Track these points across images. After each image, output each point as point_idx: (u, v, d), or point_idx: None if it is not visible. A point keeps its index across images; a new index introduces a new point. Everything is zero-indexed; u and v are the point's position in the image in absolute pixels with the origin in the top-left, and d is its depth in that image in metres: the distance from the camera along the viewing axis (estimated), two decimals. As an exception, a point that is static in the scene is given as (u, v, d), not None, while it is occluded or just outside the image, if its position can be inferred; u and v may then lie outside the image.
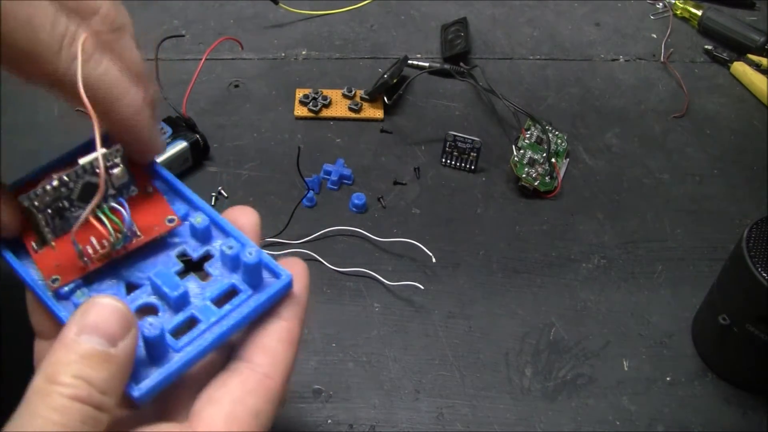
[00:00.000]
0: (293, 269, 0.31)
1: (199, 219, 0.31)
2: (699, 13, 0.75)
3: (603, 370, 0.49)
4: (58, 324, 0.29)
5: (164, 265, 0.30)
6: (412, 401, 0.46)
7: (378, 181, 0.59)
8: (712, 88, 0.70)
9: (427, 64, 0.68)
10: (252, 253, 0.28)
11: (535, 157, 0.59)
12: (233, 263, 0.30)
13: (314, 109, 0.63)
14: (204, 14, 0.72)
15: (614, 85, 0.69)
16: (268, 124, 0.63)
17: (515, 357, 0.49)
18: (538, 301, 0.52)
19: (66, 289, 0.29)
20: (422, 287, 0.51)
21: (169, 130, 0.57)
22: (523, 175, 0.58)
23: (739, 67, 0.70)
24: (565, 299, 0.52)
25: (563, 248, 0.56)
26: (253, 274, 0.29)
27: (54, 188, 0.28)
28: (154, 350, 0.27)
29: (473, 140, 0.58)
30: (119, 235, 0.29)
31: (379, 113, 0.64)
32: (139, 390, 0.26)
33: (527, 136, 0.61)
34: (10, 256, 0.30)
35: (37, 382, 0.24)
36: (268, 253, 0.30)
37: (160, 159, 0.36)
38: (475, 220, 0.57)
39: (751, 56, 0.71)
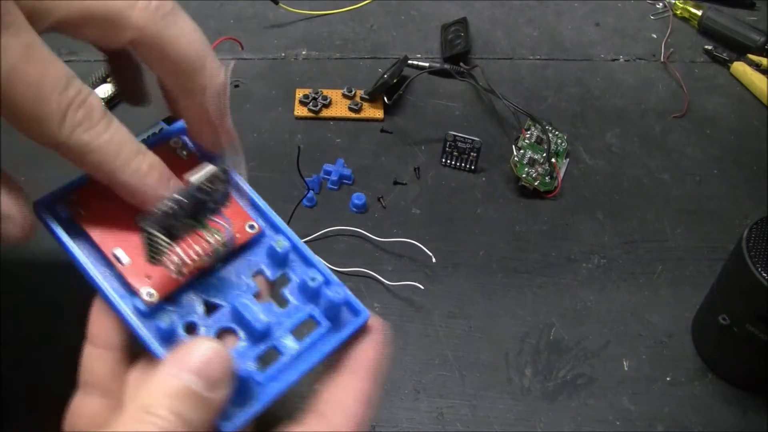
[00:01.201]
0: (372, 330, 0.30)
1: (281, 243, 0.30)
2: (699, 13, 0.75)
3: (603, 370, 0.49)
4: (119, 335, 0.29)
5: (241, 287, 0.30)
6: (412, 401, 0.46)
7: (378, 181, 0.59)
8: (712, 88, 0.70)
9: (427, 64, 0.68)
10: (340, 292, 0.29)
11: (535, 157, 0.59)
12: (312, 294, 0.30)
13: (314, 109, 0.63)
14: (204, 14, 0.72)
15: (614, 85, 0.69)
16: (268, 124, 0.63)
17: (515, 357, 0.49)
18: (538, 301, 0.52)
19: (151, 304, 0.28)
20: (422, 287, 0.51)
21: (169, 130, 0.57)
22: (523, 175, 0.58)
23: (739, 67, 0.70)
24: (565, 299, 0.52)
25: (563, 248, 0.56)
26: (335, 310, 0.29)
27: (171, 209, 0.27)
28: (241, 384, 0.27)
29: (473, 140, 0.58)
30: (220, 249, 0.29)
31: (379, 113, 0.64)
32: (233, 425, 0.27)
33: (527, 136, 0.61)
34: (91, 274, 0.28)
35: (133, 410, 0.25)
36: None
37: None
38: (475, 220, 0.57)
39: (751, 56, 0.71)
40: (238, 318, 0.29)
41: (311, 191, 0.57)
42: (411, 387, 0.47)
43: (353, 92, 0.65)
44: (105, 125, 0.27)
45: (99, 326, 0.29)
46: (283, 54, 0.70)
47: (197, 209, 0.28)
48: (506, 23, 0.75)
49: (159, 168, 0.29)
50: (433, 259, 0.53)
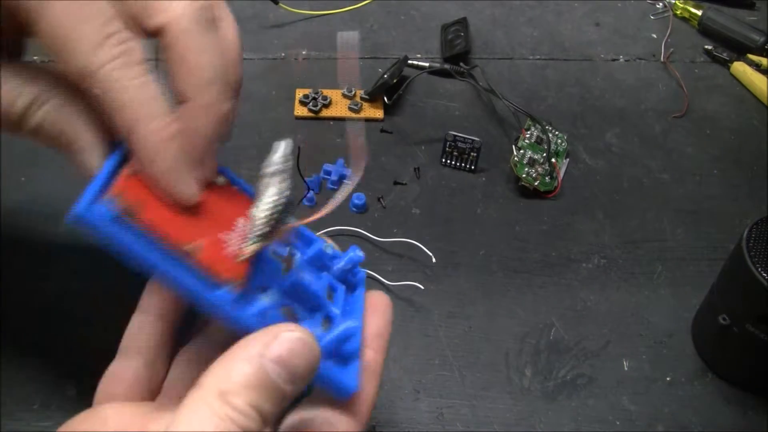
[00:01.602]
0: (379, 305, 0.33)
1: (330, 247, 0.33)
2: (699, 13, 0.75)
3: (603, 370, 0.49)
4: (174, 308, 0.29)
5: (272, 266, 0.30)
6: (412, 401, 0.46)
7: (378, 181, 0.59)
8: (712, 88, 0.70)
9: (427, 64, 0.68)
10: (359, 253, 0.33)
11: (535, 157, 0.59)
12: (322, 262, 0.33)
13: (314, 109, 0.63)
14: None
15: (614, 85, 0.69)
16: (268, 124, 0.63)
17: (515, 357, 0.49)
18: (538, 301, 0.52)
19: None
20: (422, 287, 0.51)
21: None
22: (523, 175, 0.58)
23: (739, 67, 0.70)
24: (565, 299, 0.52)
25: (563, 248, 0.55)
26: (346, 273, 0.33)
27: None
28: (336, 347, 0.29)
29: (473, 140, 0.58)
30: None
31: (379, 113, 0.64)
32: (357, 384, 0.29)
33: (527, 136, 0.61)
34: (176, 275, 0.27)
35: (209, 394, 0.23)
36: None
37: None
38: (475, 220, 0.57)
39: (751, 56, 0.71)
40: (291, 294, 0.30)
41: (311, 191, 0.57)
42: (411, 387, 0.47)
43: (353, 92, 0.65)
44: (141, 71, 0.26)
45: (154, 297, 0.29)
46: (283, 54, 0.70)
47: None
48: (506, 23, 0.75)
49: (179, 146, 0.27)
50: (433, 259, 0.53)
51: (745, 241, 0.43)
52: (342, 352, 0.29)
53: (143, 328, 0.29)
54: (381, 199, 0.57)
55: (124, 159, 0.28)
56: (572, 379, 0.48)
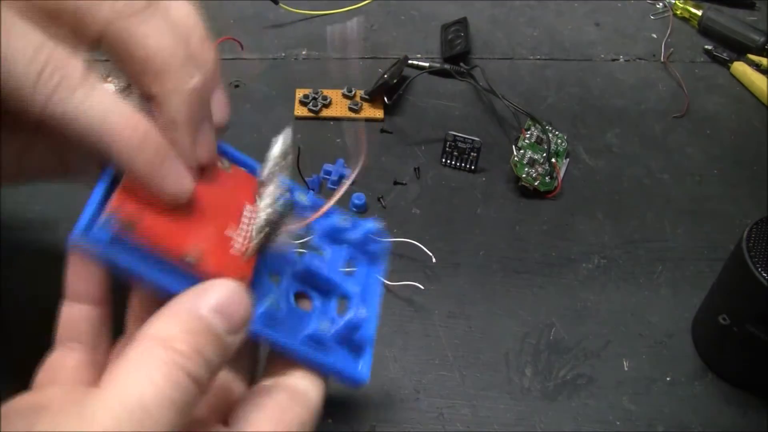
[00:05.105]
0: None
1: (303, 197, 0.32)
2: (699, 13, 0.75)
3: (603, 370, 0.49)
4: (101, 290, 0.27)
5: (283, 249, 0.29)
6: (412, 401, 0.46)
7: (378, 181, 0.59)
8: (712, 88, 0.70)
9: (427, 64, 0.68)
10: (376, 223, 0.32)
11: (535, 157, 0.59)
12: (339, 235, 0.32)
13: (314, 109, 0.63)
14: (204, 14, 0.72)
15: (614, 85, 0.69)
16: (268, 124, 0.63)
17: (515, 357, 0.49)
18: (538, 301, 0.52)
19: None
20: (422, 287, 0.51)
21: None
22: (523, 175, 0.58)
23: (739, 67, 0.70)
24: (565, 299, 0.52)
25: (563, 248, 0.56)
26: (367, 243, 0.32)
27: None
28: (347, 336, 0.29)
29: (473, 140, 0.58)
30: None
31: (379, 113, 0.64)
32: (366, 372, 0.29)
33: (527, 136, 0.61)
34: (176, 289, 0.25)
35: (148, 343, 0.22)
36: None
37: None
38: (475, 220, 0.57)
39: (751, 56, 0.71)
40: (304, 279, 0.30)
41: (311, 191, 0.57)
42: (411, 387, 0.47)
43: (353, 92, 0.65)
44: (87, 90, 0.25)
45: (79, 282, 0.27)
46: (283, 54, 0.70)
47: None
48: (506, 23, 0.75)
49: (154, 143, 0.26)
50: (433, 259, 0.53)
51: (745, 241, 0.43)
52: (354, 340, 0.29)
53: (76, 317, 0.27)
54: (381, 199, 0.58)
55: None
56: (572, 379, 0.48)
